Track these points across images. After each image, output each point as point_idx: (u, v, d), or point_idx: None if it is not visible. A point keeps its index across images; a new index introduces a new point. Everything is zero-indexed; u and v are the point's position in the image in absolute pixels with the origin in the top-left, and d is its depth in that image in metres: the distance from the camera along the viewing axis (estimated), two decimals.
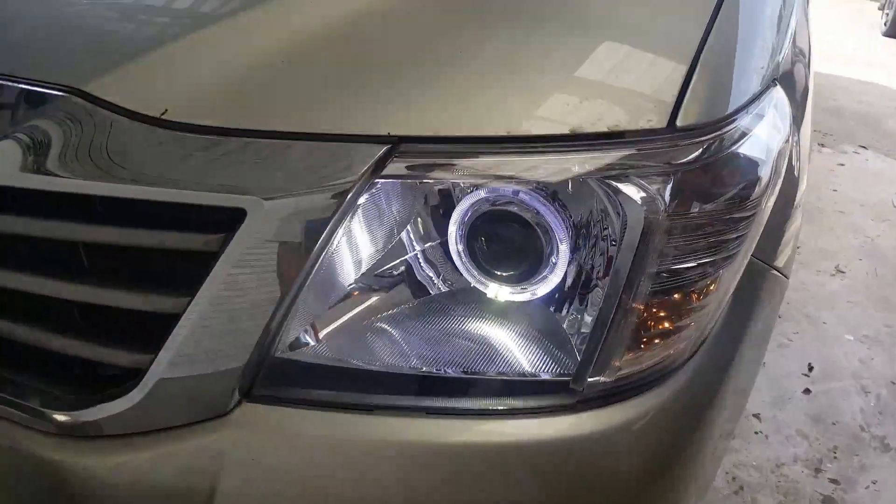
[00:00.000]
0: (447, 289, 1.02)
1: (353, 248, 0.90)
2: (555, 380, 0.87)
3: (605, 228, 0.89)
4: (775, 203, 1.14)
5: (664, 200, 0.80)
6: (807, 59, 1.48)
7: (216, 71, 0.83)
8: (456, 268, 0.97)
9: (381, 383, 0.82)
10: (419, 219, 0.99)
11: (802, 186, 1.25)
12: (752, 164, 0.89)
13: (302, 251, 0.75)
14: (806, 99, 1.38)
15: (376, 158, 0.79)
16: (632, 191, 0.81)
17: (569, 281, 0.95)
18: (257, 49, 0.84)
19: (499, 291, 0.95)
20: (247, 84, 0.82)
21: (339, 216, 0.80)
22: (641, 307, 0.83)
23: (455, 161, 0.81)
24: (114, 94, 0.77)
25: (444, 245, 0.97)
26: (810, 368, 2.66)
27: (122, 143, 0.77)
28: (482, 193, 0.90)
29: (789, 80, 1.18)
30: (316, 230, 0.75)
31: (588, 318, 0.90)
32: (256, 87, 0.81)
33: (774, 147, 0.93)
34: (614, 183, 0.81)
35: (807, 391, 2.55)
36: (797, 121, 1.20)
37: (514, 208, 0.90)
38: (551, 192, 0.90)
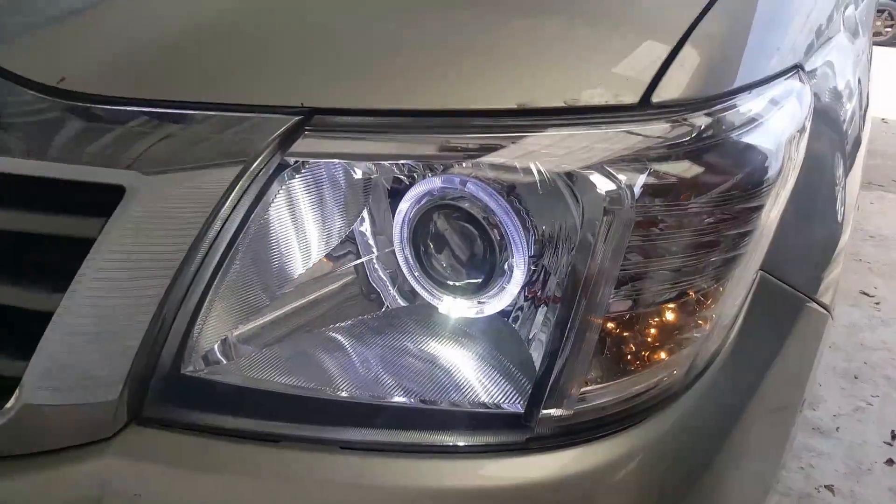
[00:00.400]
0: (401, 302, 0.87)
1: (281, 245, 0.77)
2: (506, 413, 0.71)
3: (568, 228, 0.74)
4: (815, 233, 0.95)
5: (631, 191, 0.64)
6: (862, 106, 1.32)
7: (118, 39, 0.74)
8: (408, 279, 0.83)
9: (293, 410, 0.67)
10: (367, 217, 0.86)
11: (846, 233, 1.07)
12: (757, 156, 0.72)
13: (193, 239, 0.62)
14: (858, 147, 1.21)
15: (282, 132, 0.66)
16: (594, 179, 0.65)
17: (532, 293, 0.79)
18: (161, 16, 0.75)
19: (452, 306, 0.80)
20: (150, 52, 0.71)
21: (243, 200, 0.68)
22: (605, 321, 0.66)
23: (378, 137, 0.67)
24: (11, 62, 0.68)
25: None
26: (893, 436, 2.33)
27: (13, 112, 0.67)
28: (426, 186, 0.76)
29: (825, 79, 1.01)
30: (208, 214, 0.62)
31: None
32: (159, 56, 0.70)
33: (787, 140, 0.75)
34: (571, 169, 0.66)
35: (889, 462, 2.22)
36: (845, 164, 1.03)
37: (464, 204, 0.75)
38: (506, 186, 0.75)
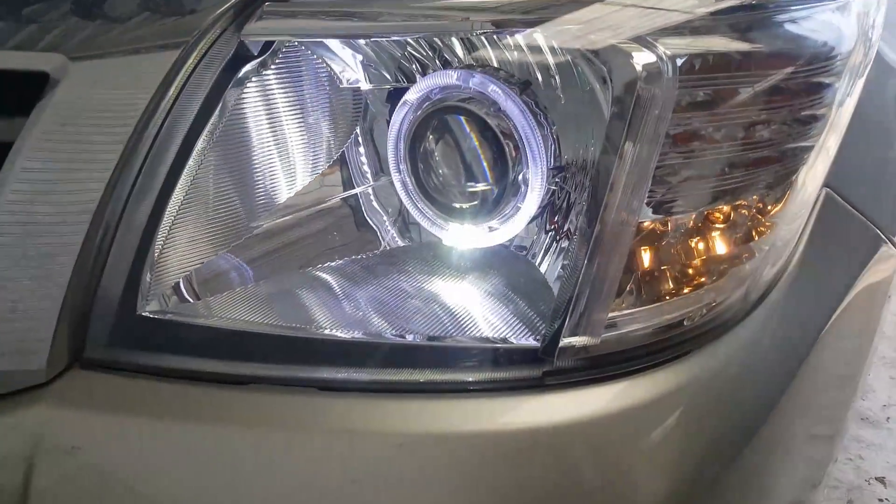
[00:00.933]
0: (400, 242, 0.75)
1: (257, 161, 0.66)
2: (520, 346, 0.58)
3: (595, 131, 0.61)
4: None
5: (673, 63, 0.51)
6: None
7: None
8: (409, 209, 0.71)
9: (266, 349, 0.55)
10: (360, 137, 0.74)
11: None
12: (826, 26, 0.59)
13: (129, 136, 0.51)
14: None
15: (230, 5, 0.55)
16: (627, 49, 0.52)
17: (552, 223, 0.67)
18: None
19: (458, 234, 0.68)
20: None
21: (193, 91, 0.56)
22: (638, 230, 0.53)
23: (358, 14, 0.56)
24: None
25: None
26: None
27: None
28: (423, 86, 0.64)
29: None
30: (146, 105, 0.50)
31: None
32: None
33: (860, 13, 0.62)
34: (602, 45, 0.53)
35: None
36: None
37: (470, 106, 0.63)
38: (520, 82, 0.63)
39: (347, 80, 0.68)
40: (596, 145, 0.61)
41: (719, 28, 0.56)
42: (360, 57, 0.68)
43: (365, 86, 0.72)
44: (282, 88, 0.64)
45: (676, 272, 0.57)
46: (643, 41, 0.53)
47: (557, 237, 0.69)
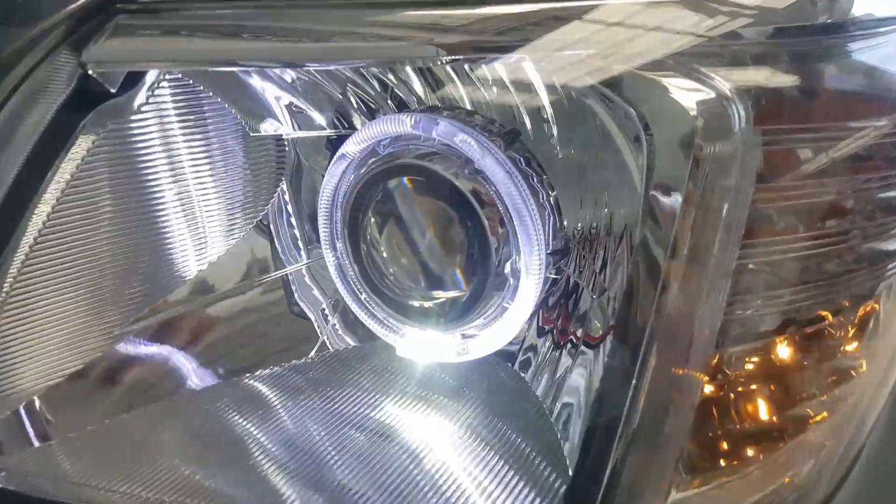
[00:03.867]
0: (346, 339, 0.56)
1: (133, 228, 0.47)
2: None
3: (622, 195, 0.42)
4: None
5: (745, 109, 0.33)
6: None
7: None
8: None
9: None
10: (289, 198, 0.55)
11: None
12: None
13: None
14: None
15: (66, 14, 0.35)
16: (670, 84, 0.33)
17: (551, 321, 0.48)
18: None
19: (417, 343, 0.48)
20: None
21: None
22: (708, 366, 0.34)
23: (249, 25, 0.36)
24: None
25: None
26: None
27: None
28: (368, 134, 0.45)
29: None
30: None
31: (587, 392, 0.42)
32: None
33: None
34: (622, 70, 0.35)
35: None
36: None
37: (434, 166, 0.44)
38: (504, 132, 0.44)
39: (262, 126, 0.49)
40: (622, 227, 0.41)
41: (781, 57, 0.37)
42: (277, 93, 0.48)
43: (289, 132, 0.52)
44: (162, 133, 0.44)
45: (746, 433, 0.37)
46: (690, 70, 0.34)
47: (559, 341, 0.49)
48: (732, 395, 0.40)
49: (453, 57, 0.38)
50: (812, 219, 0.37)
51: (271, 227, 0.59)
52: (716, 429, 0.39)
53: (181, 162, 0.51)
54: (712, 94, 0.33)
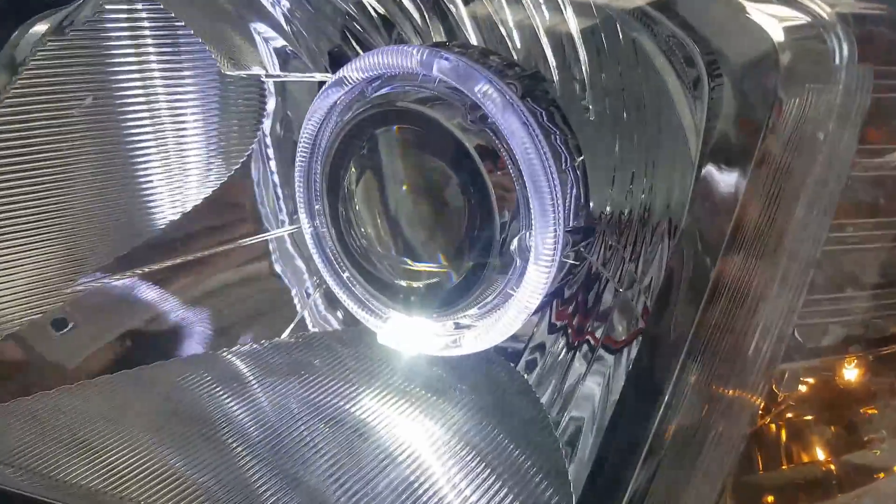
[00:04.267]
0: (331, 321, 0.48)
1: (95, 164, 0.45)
2: None
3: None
4: None
5: (850, 41, 0.23)
6: None
7: None
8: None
9: None
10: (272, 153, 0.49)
11: None
12: None
13: None
14: None
15: None
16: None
17: (566, 316, 0.40)
18: None
19: (403, 331, 0.40)
20: None
21: None
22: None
23: None
24: None
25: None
26: None
27: None
28: (354, 73, 0.37)
29: None
30: None
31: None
32: None
33: None
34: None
35: None
36: None
37: (433, 113, 0.36)
38: (522, 74, 0.36)
39: (244, 68, 0.41)
40: (672, 194, 0.33)
41: None
42: (269, 33, 0.41)
43: (274, 74, 0.45)
44: (140, 68, 0.38)
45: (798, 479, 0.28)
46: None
47: (572, 341, 0.41)
48: (785, 428, 0.32)
49: None
50: None
51: (255, 187, 0.51)
52: (765, 469, 0.30)
53: (157, 100, 0.46)
54: (806, 19, 0.25)
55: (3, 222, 0.42)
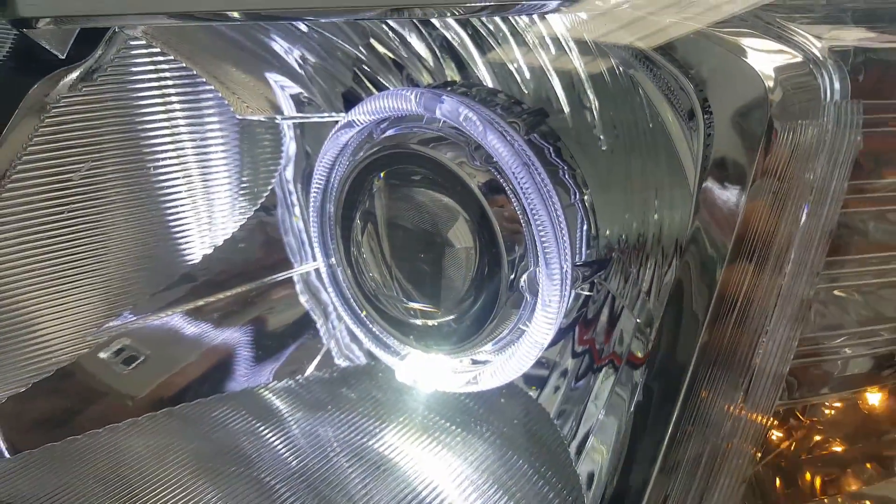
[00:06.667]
0: (359, 355, 0.49)
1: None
2: None
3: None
4: None
5: (842, 77, 0.23)
6: None
7: None
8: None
9: None
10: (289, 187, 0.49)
11: None
12: None
13: None
14: None
15: None
16: (748, 45, 0.24)
17: (586, 341, 0.40)
18: None
19: (420, 368, 0.40)
20: None
21: None
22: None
23: None
24: None
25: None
26: None
27: None
28: (371, 108, 0.38)
29: None
30: None
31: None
32: None
33: None
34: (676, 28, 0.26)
35: None
36: None
37: (441, 154, 0.36)
38: (526, 112, 0.36)
39: (249, 107, 0.42)
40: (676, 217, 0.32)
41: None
42: (284, 82, 0.42)
43: (289, 113, 0.45)
44: (167, 118, 0.39)
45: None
46: (769, 26, 0.25)
47: (592, 365, 0.41)
48: (803, 458, 0.31)
49: (476, 4, 0.30)
50: None
51: (279, 223, 0.52)
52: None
53: (183, 144, 0.46)
54: (797, 58, 0.24)
55: (47, 262, 0.43)
